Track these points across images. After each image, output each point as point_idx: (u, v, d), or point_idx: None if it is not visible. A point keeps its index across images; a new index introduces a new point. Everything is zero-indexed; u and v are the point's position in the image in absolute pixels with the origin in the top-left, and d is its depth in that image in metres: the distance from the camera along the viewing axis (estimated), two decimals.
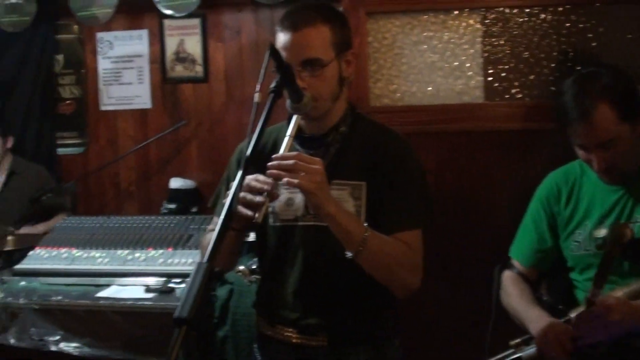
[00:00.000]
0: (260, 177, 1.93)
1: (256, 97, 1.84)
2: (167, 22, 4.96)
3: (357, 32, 3.77)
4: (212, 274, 1.46)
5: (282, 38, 2.15)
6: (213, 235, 1.58)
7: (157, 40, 5.04)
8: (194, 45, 4.96)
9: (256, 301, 2.45)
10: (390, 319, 2.35)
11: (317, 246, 2.21)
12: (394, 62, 3.87)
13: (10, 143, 4.87)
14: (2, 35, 5.01)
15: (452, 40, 3.83)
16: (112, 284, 3.43)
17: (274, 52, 1.92)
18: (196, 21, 4.90)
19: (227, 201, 1.67)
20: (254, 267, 3.16)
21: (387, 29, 3.87)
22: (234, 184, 1.73)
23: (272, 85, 1.95)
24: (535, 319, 2.53)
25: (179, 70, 5.03)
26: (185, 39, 4.96)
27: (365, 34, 3.86)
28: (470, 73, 3.83)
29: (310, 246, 2.23)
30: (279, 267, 2.28)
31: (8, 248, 3.99)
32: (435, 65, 3.85)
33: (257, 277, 3.24)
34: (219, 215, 2.03)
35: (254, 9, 4.80)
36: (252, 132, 1.81)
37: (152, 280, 3.40)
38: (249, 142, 1.80)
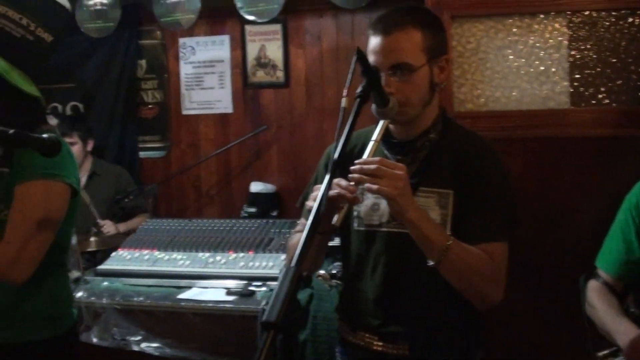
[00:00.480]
0: (343, 181, 1.91)
1: (343, 101, 1.82)
2: (248, 27, 5.01)
3: None
4: (300, 278, 1.45)
5: (373, 42, 2.12)
6: (301, 239, 1.56)
7: (239, 45, 5.10)
8: (275, 51, 5.00)
9: (339, 306, 2.43)
10: (474, 330, 2.29)
11: (400, 253, 2.17)
12: (478, 67, 3.81)
13: (90, 146, 4.98)
14: (87, 40, 5.15)
15: (538, 44, 3.74)
16: (193, 286, 3.47)
17: (361, 56, 1.90)
18: (277, 27, 4.94)
19: (315, 205, 1.65)
20: (334, 271, 3.15)
21: (471, 33, 3.81)
22: (321, 188, 1.71)
23: (359, 89, 1.93)
24: (623, 330, 2.43)
25: (260, 76, 5.07)
26: (267, 44, 5.00)
27: (450, 38, 3.81)
28: (555, 78, 3.73)
29: (393, 253, 2.19)
30: (361, 273, 2.26)
31: (91, 249, 4.08)
32: (520, 70, 3.76)
33: (337, 281, 3.23)
34: (306, 218, 2.02)
35: (335, 14, 4.80)
36: (339, 136, 1.79)
37: (232, 283, 3.42)
38: (335, 146, 1.78)
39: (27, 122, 2.25)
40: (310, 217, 1.62)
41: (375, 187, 1.90)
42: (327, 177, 1.71)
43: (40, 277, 2.21)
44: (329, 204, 1.85)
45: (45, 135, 1.92)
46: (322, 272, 3.16)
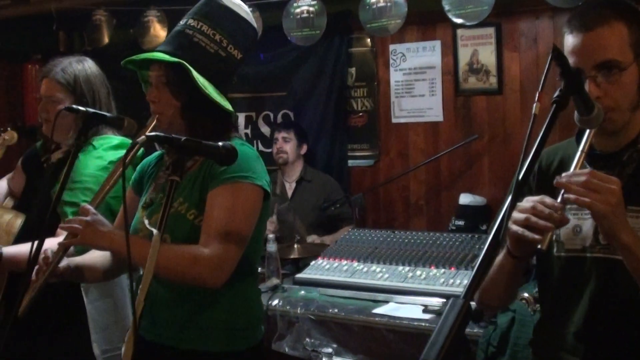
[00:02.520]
0: (547, 199, 1.69)
1: (535, 108, 1.60)
2: (460, 32, 4.84)
3: None
4: (469, 312, 1.25)
5: (570, 41, 1.89)
6: (474, 267, 1.37)
7: (450, 51, 4.94)
8: (487, 56, 4.78)
9: (532, 339, 2.19)
10: None
11: (608, 282, 1.91)
12: None
13: (304, 150, 5.04)
14: (297, 49, 5.23)
15: None
16: (390, 301, 3.35)
17: (559, 55, 1.67)
18: (490, 30, 4.72)
19: (494, 228, 1.45)
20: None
21: None
22: (502, 209, 1.51)
23: (556, 94, 1.70)
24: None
25: (472, 82, 4.88)
26: (479, 49, 4.81)
27: None
28: None
29: (600, 282, 1.93)
30: (561, 303, 2.02)
31: (294, 256, 4.09)
32: None
33: None
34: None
35: (552, 15, 4.50)
36: (528, 149, 1.57)
37: (431, 301, 3.25)
38: (521, 162, 1.56)
39: (219, 133, 2.27)
40: (487, 243, 1.41)
41: (587, 200, 1.65)
42: (509, 198, 1.49)
43: (230, 283, 2.18)
44: (531, 223, 1.64)
45: (220, 143, 1.88)
46: (525, 294, 2.91)
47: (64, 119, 2.79)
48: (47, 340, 2.80)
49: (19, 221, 2.85)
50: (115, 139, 2.82)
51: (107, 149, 2.72)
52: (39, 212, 2.80)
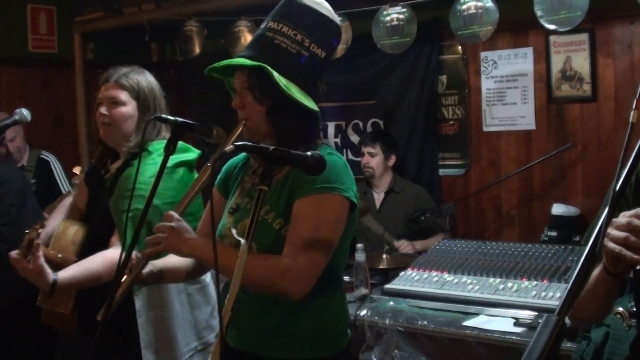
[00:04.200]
0: None
1: (632, 116, 1.54)
2: (552, 38, 4.73)
3: None
4: (563, 330, 1.21)
5: None
6: (569, 284, 1.33)
7: (543, 58, 4.84)
8: (581, 62, 4.66)
9: (629, 355, 2.10)
10: None
11: None
12: None
13: (392, 161, 4.98)
14: (388, 57, 5.21)
15: None
16: (480, 313, 3.29)
17: None
18: (584, 36, 4.60)
19: (589, 243, 1.39)
20: (635, 309, 2.76)
21: None
22: (599, 222, 1.45)
23: None
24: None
25: (565, 90, 4.76)
26: (572, 55, 4.69)
27: None
28: None
29: None
30: None
31: (383, 266, 4.06)
32: None
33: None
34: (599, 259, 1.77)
35: None
36: (626, 158, 1.51)
37: (522, 314, 3.18)
38: (618, 173, 1.49)
39: (306, 136, 2.26)
40: (582, 259, 1.36)
41: None
42: (605, 211, 1.44)
43: (314, 293, 2.18)
44: (630, 242, 1.58)
45: (308, 153, 1.88)
46: (620, 309, 2.79)
47: (126, 122, 2.82)
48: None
49: (83, 232, 2.91)
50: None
51: (162, 154, 2.70)
52: (99, 222, 2.85)
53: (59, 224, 2.95)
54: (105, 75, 2.90)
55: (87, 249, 2.78)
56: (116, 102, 2.83)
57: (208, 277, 3.01)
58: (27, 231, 2.58)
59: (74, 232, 2.90)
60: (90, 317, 2.43)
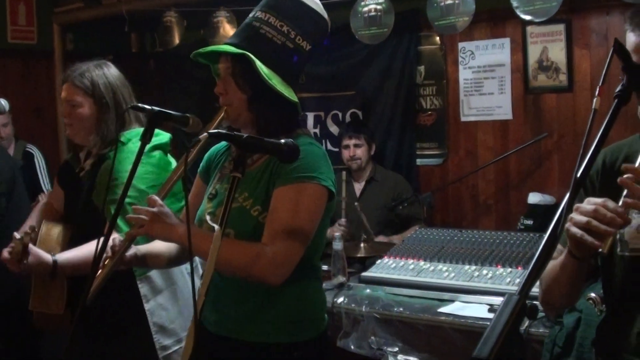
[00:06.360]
0: (610, 202, 1.67)
1: (595, 102, 1.58)
2: (529, 29, 4.77)
3: None
4: (523, 309, 1.25)
5: (632, 39, 1.86)
6: (530, 266, 1.37)
7: (520, 48, 4.87)
8: (557, 53, 4.70)
9: (595, 338, 2.15)
10: None
11: None
12: None
13: (373, 150, 5.01)
14: (366, 48, 5.23)
15: None
16: (455, 300, 3.33)
17: (621, 49, 1.65)
18: (560, 27, 4.64)
19: (550, 228, 1.43)
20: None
21: None
22: (560, 208, 1.49)
23: (618, 88, 1.67)
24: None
25: (542, 80, 4.80)
26: (549, 46, 4.72)
27: None
28: None
29: None
30: (624, 303, 1.97)
31: (360, 254, 4.09)
32: None
33: None
34: (563, 243, 1.81)
35: (623, 11, 4.38)
36: (587, 145, 1.55)
37: (496, 300, 3.21)
38: (579, 159, 1.53)
39: (286, 126, 2.29)
40: (542, 243, 1.40)
41: None
42: (566, 196, 1.48)
43: (292, 280, 2.21)
44: (592, 227, 1.62)
45: (282, 140, 1.90)
46: (592, 294, 2.84)
47: (85, 121, 2.86)
48: (108, 343, 2.87)
49: (68, 232, 2.92)
50: (142, 129, 2.81)
51: (136, 142, 2.68)
52: (82, 219, 2.87)
53: (41, 227, 2.94)
54: (64, 75, 2.95)
55: (75, 247, 2.78)
56: (73, 105, 2.87)
57: None
58: (18, 237, 2.59)
59: (58, 232, 2.91)
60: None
